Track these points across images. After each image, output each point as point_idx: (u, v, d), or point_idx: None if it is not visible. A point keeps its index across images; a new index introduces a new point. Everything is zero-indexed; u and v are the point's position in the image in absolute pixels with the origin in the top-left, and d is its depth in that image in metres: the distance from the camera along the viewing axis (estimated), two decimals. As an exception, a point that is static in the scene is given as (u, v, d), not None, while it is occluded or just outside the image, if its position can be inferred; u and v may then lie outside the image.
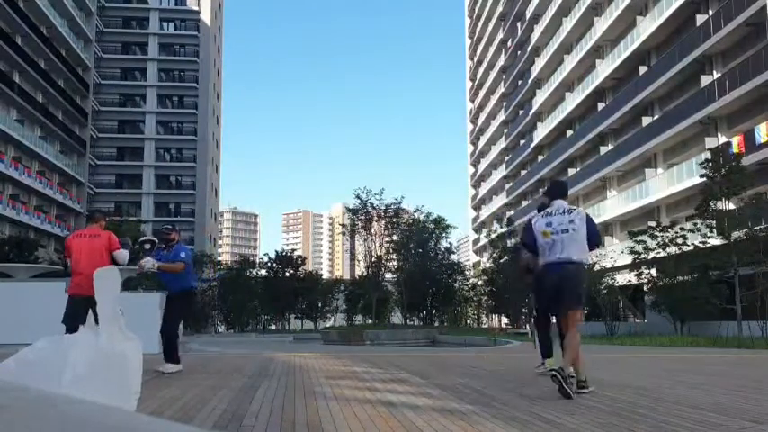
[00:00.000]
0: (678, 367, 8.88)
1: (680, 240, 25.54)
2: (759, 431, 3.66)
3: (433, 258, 46.10)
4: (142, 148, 65.86)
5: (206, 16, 69.46)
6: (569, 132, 48.20)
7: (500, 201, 65.92)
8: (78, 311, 6.68)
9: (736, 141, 27.61)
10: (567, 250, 5.36)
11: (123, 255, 6.91)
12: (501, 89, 65.76)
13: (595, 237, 5.50)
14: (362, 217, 37.22)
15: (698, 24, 31.19)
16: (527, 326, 36.86)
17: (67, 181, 53.64)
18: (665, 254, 26.18)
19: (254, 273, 54.39)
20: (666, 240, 26.16)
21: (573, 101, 46.58)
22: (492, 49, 68.23)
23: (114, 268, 3.14)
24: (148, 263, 7.32)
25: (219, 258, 73.28)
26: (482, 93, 73.33)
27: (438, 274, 46.97)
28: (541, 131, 53.27)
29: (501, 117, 65.97)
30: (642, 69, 37.10)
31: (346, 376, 7.02)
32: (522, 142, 59.57)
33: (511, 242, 41.72)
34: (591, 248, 5.55)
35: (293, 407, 4.49)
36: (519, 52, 59.15)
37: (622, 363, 9.76)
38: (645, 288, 30.64)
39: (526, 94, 57.38)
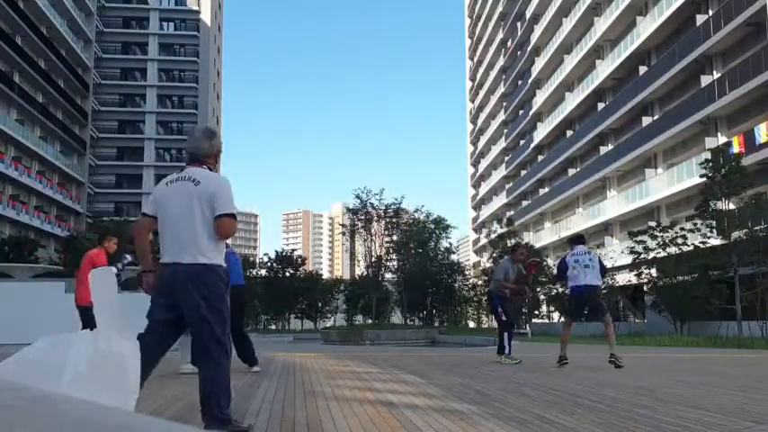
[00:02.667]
0: (678, 367, 8.89)
1: (680, 240, 25.54)
2: (759, 431, 3.66)
3: (433, 258, 46.05)
4: (142, 148, 65.84)
5: (206, 16, 69.44)
6: (569, 132, 48.18)
7: (500, 201, 65.89)
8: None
9: (736, 141, 27.61)
10: (589, 278, 8.42)
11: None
12: (501, 89, 65.72)
13: (604, 271, 8.77)
14: (362, 217, 37.21)
15: (698, 24, 31.18)
16: (527, 326, 36.89)
17: (67, 181, 53.64)
18: (665, 254, 26.17)
19: (255, 273, 54.35)
20: (666, 240, 26.15)
21: (573, 101, 46.56)
22: (492, 50, 68.19)
23: (110, 269, 3.14)
24: None
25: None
26: (482, 93, 73.29)
27: (438, 274, 46.93)
28: (541, 131, 53.25)
29: (501, 117, 65.94)
30: (642, 69, 37.08)
31: (346, 376, 7.02)
32: (522, 142, 59.55)
33: (511, 242, 41.67)
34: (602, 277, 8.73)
35: (293, 407, 4.49)
36: (519, 52, 59.12)
37: (622, 363, 9.75)
38: (645, 288, 30.63)
39: (526, 94, 57.36)
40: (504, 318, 9.55)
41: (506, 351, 9.39)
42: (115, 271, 7.91)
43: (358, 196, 36.35)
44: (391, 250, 40.07)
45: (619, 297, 32.92)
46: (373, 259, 37.79)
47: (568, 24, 46.57)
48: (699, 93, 30.97)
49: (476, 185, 78.76)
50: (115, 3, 66.01)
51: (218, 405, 3.43)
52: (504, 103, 64.81)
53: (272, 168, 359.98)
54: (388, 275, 43.47)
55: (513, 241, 39.92)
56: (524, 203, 58.24)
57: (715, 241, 23.33)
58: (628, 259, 29.05)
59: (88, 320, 7.22)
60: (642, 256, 27.22)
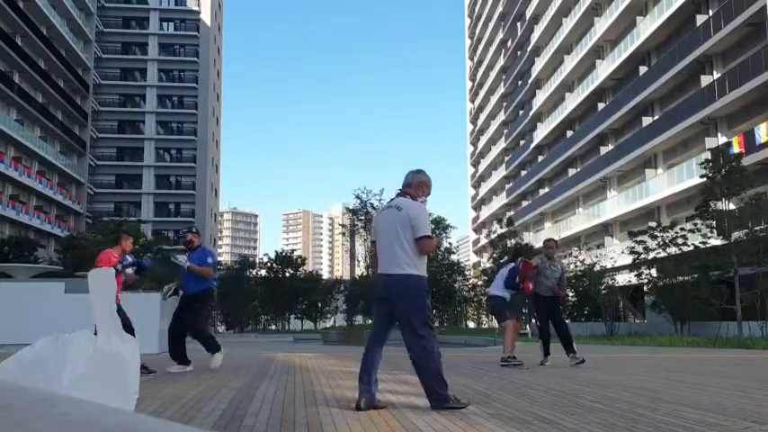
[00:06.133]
0: (678, 367, 8.88)
1: (680, 240, 25.53)
2: (759, 431, 3.66)
3: (432, 258, 46.07)
4: (142, 148, 65.82)
5: (206, 16, 69.43)
6: (569, 132, 48.18)
7: (500, 201, 65.88)
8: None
9: (736, 141, 27.60)
10: (493, 288, 9.11)
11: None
12: (501, 89, 65.72)
13: (506, 282, 8.91)
14: (362, 217, 37.22)
15: (698, 24, 31.18)
16: (527, 326, 36.82)
17: (67, 181, 53.63)
18: (665, 254, 26.17)
19: (255, 273, 54.34)
20: (666, 240, 26.14)
21: (573, 101, 46.56)
22: (492, 50, 68.20)
23: (109, 269, 3.15)
24: (181, 259, 7.76)
25: (220, 259, 73.19)
26: (482, 93, 73.30)
27: (438, 275, 46.97)
28: (541, 131, 53.25)
29: (501, 117, 65.94)
30: (642, 69, 37.07)
31: (346, 376, 7.01)
32: (522, 142, 59.54)
33: (511, 242, 41.71)
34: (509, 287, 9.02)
35: (293, 407, 4.49)
36: (519, 52, 59.13)
37: (622, 363, 9.76)
38: (645, 288, 30.63)
39: (526, 95, 57.35)
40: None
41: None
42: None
43: (358, 197, 36.44)
44: (391, 250, 40.06)
45: (619, 297, 32.88)
46: (373, 259, 37.82)
47: (568, 24, 46.56)
48: (699, 93, 30.96)
49: (476, 185, 78.77)
50: (115, 3, 66.00)
51: (436, 387, 4.28)
52: (504, 104, 64.80)
53: (272, 168, 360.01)
54: (389, 275, 43.47)
55: (513, 242, 39.97)
56: (524, 204, 58.23)
57: (715, 241, 23.32)
58: (628, 259, 29.04)
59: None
60: (642, 256, 27.21)
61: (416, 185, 4.71)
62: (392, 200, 4.74)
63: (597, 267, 32.25)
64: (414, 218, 4.44)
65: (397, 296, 4.44)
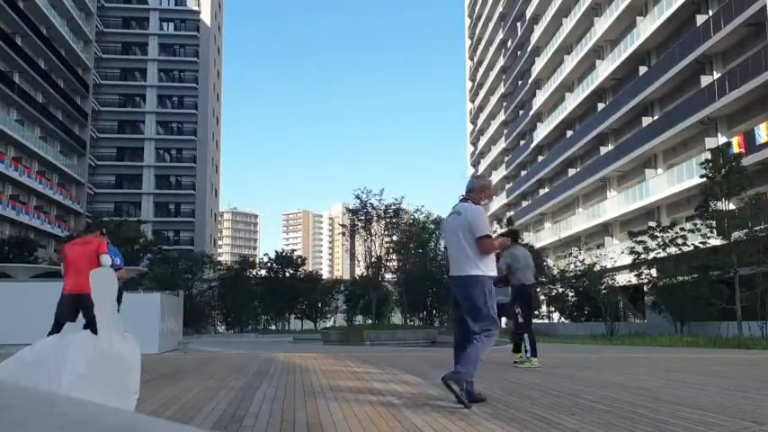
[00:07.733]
0: (678, 367, 8.88)
1: (680, 241, 25.53)
2: None
3: (433, 258, 46.11)
4: (142, 148, 65.83)
5: (206, 16, 69.44)
6: (569, 132, 48.17)
7: (500, 201, 65.89)
8: (68, 308, 6.88)
9: (736, 141, 27.61)
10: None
11: (105, 259, 7.02)
12: (501, 89, 65.72)
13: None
14: (362, 217, 37.17)
15: (698, 24, 31.18)
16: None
17: (67, 181, 53.62)
18: (665, 254, 26.17)
19: (254, 273, 54.30)
20: (666, 241, 26.15)
21: (573, 101, 46.56)
22: (492, 50, 68.20)
23: (110, 270, 3.17)
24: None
25: (219, 258, 73.18)
26: (482, 93, 73.29)
27: (438, 274, 46.92)
28: (541, 131, 53.25)
29: (501, 117, 65.93)
30: (642, 69, 37.07)
31: (346, 376, 7.02)
32: (522, 142, 59.55)
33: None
34: None
35: (293, 407, 4.49)
36: (519, 53, 59.13)
37: (622, 363, 9.76)
38: (645, 288, 30.64)
39: (526, 95, 57.35)
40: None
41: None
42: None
43: (358, 197, 36.31)
44: (391, 250, 40.03)
45: (619, 297, 32.88)
46: (373, 259, 37.76)
47: (568, 24, 46.57)
48: (699, 93, 30.96)
49: (476, 186, 78.70)
50: (115, 3, 66.01)
51: (461, 367, 4.59)
52: (504, 104, 64.80)
53: (272, 168, 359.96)
54: (388, 275, 43.43)
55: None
56: (524, 204, 58.23)
57: (715, 241, 23.32)
58: (628, 259, 29.03)
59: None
60: (642, 256, 27.21)
61: (479, 190, 5.13)
62: (456, 205, 5.14)
63: (597, 267, 32.26)
64: (472, 220, 4.85)
65: (461, 296, 4.88)
